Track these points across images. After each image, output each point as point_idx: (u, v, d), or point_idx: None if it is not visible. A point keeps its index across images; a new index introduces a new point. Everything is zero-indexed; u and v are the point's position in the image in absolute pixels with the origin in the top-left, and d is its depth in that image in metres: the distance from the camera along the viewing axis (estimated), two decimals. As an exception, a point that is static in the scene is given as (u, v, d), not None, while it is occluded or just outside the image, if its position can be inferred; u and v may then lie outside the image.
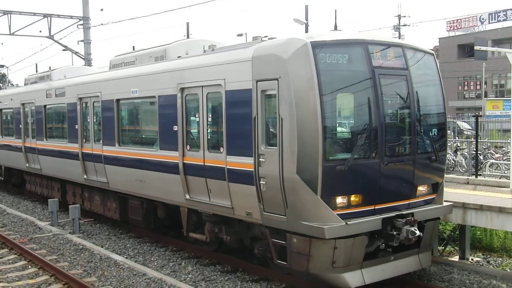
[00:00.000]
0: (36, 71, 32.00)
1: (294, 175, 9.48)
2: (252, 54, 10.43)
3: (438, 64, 11.64)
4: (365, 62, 10.08)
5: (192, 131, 12.34)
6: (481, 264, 13.00)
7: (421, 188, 10.97)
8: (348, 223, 9.50)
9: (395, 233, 10.18)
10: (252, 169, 10.31)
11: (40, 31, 33.82)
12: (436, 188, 11.31)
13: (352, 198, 9.89)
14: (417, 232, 10.15)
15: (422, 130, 10.87)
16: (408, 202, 10.67)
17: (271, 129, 10.09)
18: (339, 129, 10.22)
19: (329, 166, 9.42)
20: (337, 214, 9.54)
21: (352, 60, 10.11)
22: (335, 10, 14.57)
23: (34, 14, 31.79)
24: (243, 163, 10.56)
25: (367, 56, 10.10)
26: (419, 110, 10.79)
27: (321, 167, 9.33)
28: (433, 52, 11.65)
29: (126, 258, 13.78)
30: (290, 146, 9.51)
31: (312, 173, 9.37)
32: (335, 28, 12.25)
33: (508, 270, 12.57)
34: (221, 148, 11.21)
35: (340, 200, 9.73)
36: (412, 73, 10.72)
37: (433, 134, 11.15)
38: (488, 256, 13.80)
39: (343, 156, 9.74)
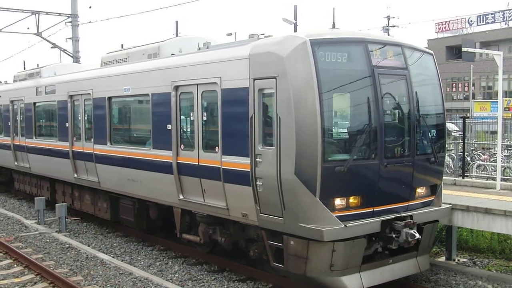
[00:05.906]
0: (24, 68, 31.45)
1: (292, 176, 9.26)
2: (249, 52, 10.19)
3: (436, 64, 11.48)
4: (365, 61, 9.88)
5: (186, 130, 12.10)
6: (467, 265, 12.87)
7: (420, 190, 10.81)
8: (347, 225, 9.31)
9: (394, 235, 10.01)
10: (249, 170, 10.09)
11: (28, 28, 33.30)
12: (434, 190, 11.16)
13: (351, 200, 9.70)
14: (417, 235, 9.98)
15: (421, 131, 10.71)
16: (407, 204, 10.50)
17: (268, 129, 9.84)
18: (338, 129, 10.01)
19: (328, 167, 9.22)
20: (336, 216, 9.33)
21: (352, 59, 9.90)
22: (333, 8, 14.35)
23: (22, 10, 31.34)
24: (239, 163, 10.34)
25: (367, 55, 9.91)
26: (418, 110, 10.61)
27: (320, 168, 9.11)
28: (432, 52, 11.49)
29: (113, 257, 13.61)
30: (288, 146, 9.29)
31: (311, 174, 9.15)
32: (333, 26, 12.03)
33: (494, 271, 12.44)
34: (217, 147, 10.98)
35: (338, 201, 9.53)
36: (411, 73, 10.54)
37: (432, 135, 10.99)
38: (475, 257, 13.68)
39: (342, 157, 9.54)
